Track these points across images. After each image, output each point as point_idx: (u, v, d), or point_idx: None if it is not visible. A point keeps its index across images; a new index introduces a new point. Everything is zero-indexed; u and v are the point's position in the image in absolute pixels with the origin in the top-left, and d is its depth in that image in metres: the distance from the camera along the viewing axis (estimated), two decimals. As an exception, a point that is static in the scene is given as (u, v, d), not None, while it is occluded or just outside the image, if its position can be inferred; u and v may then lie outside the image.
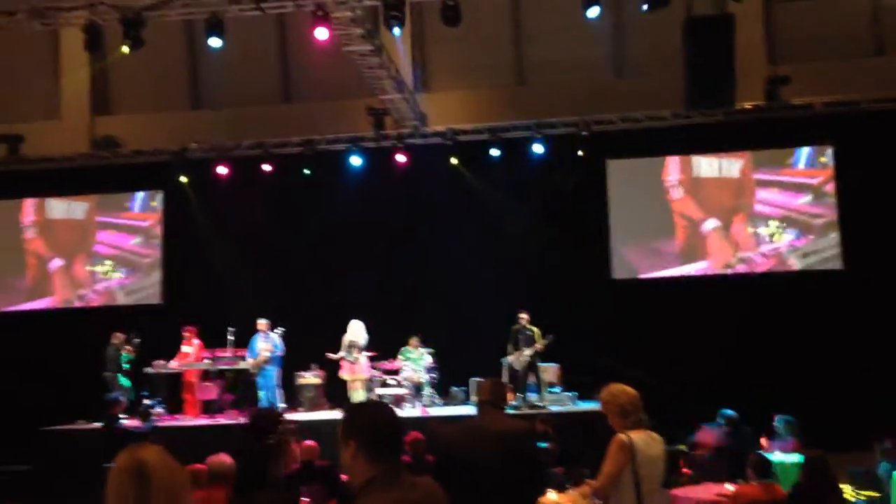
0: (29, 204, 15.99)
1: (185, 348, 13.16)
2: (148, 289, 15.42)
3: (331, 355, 12.61)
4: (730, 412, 9.25)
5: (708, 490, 7.00)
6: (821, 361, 12.56)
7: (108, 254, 15.70)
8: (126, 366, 13.00)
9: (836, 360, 12.55)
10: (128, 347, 13.08)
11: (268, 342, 12.68)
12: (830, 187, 13.57)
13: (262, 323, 12.78)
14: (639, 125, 13.94)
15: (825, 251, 13.52)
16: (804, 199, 13.68)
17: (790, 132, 13.54)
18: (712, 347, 12.84)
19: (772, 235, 13.72)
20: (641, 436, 4.34)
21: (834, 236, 13.47)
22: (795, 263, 13.62)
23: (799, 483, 6.09)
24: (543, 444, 8.71)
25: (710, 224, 13.98)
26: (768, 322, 13.07)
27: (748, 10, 11.95)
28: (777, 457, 8.35)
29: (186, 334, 13.18)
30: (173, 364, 13.01)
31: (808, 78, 13.14)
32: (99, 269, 15.66)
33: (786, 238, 13.67)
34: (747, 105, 13.24)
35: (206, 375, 13.03)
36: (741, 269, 13.80)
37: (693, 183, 14.11)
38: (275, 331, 12.80)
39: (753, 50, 13.22)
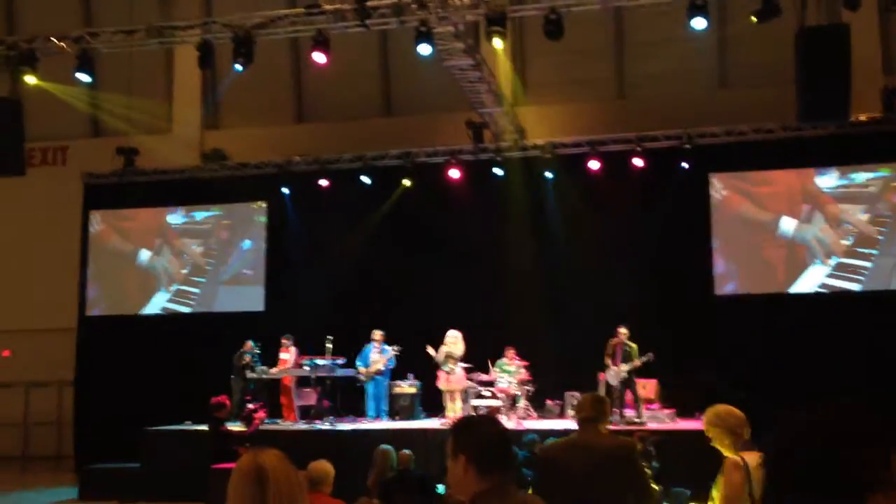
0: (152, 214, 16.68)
1: (282, 355, 13.48)
2: (251, 296, 15.88)
3: (431, 350, 12.56)
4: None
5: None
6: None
7: (215, 263, 16.26)
8: (252, 372, 13.39)
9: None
10: (247, 357, 13.46)
11: (383, 354, 12.92)
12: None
13: (377, 334, 13.03)
14: (744, 138, 13.57)
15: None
16: None
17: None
18: (817, 366, 12.37)
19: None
20: (753, 456, 4.18)
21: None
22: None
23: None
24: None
25: (813, 241, 13.47)
26: (878, 339, 12.48)
27: (863, 19, 11.51)
28: None
29: (284, 342, 13.51)
30: (273, 370, 13.36)
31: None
32: (209, 276, 16.25)
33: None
34: (862, 117, 12.72)
35: (303, 382, 13.31)
36: (846, 285, 13.24)
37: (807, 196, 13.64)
38: (391, 346, 13.01)
39: (869, 60, 12.72)
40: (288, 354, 13.48)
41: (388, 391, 13.20)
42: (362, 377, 12.98)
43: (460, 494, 2.64)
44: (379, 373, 12.95)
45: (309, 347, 13.32)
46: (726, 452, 4.25)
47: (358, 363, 13.01)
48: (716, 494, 4.22)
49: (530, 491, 4.18)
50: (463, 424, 2.78)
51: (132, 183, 16.19)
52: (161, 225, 16.58)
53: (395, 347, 12.97)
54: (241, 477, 2.58)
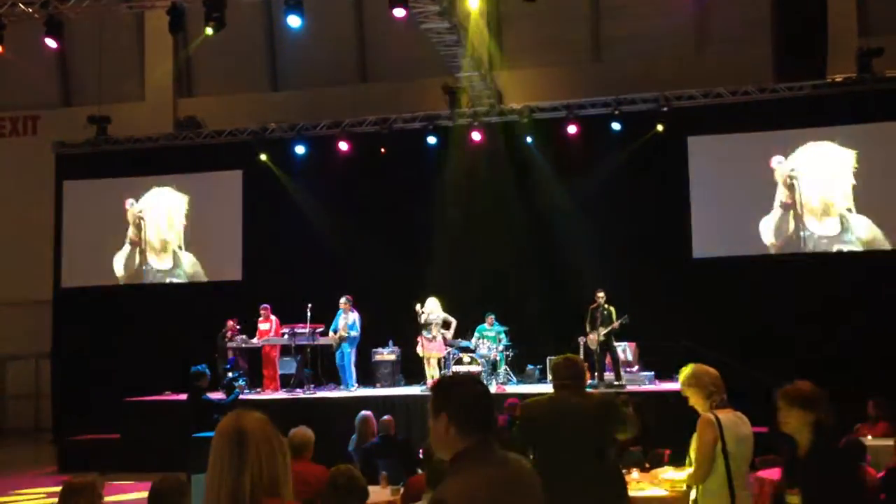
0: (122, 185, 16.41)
1: (261, 325, 13.37)
2: (228, 266, 15.75)
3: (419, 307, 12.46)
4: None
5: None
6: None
7: (191, 232, 16.09)
8: (231, 342, 13.24)
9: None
10: (228, 334, 13.33)
11: (347, 319, 12.84)
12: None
13: (343, 300, 12.94)
14: (721, 100, 13.57)
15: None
16: None
17: (881, 106, 12.97)
18: (798, 328, 12.53)
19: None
20: (728, 415, 4.23)
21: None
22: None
23: (893, 465, 5.88)
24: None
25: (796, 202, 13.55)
26: (858, 301, 12.64)
27: (839, -21, 11.51)
28: (868, 441, 8.09)
29: (263, 312, 13.42)
30: (254, 340, 13.28)
31: (902, 49, 12.57)
32: (182, 246, 16.09)
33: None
34: (837, 78, 12.73)
35: (284, 351, 13.26)
36: (828, 246, 13.36)
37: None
38: (353, 310, 12.88)
39: (845, 21, 12.69)
40: (267, 324, 13.39)
41: (355, 359, 13.00)
42: (334, 345, 12.89)
43: (442, 453, 2.62)
44: (344, 339, 12.84)
45: (288, 316, 13.27)
46: (701, 411, 4.30)
47: (330, 332, 12.92)
48: (691, 452, 4.27)
49: None
50: (445, 384, 2.76)
51: (105, 152, 15.95)
52: (135, 194, 16.32)
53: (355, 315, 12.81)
54: (220, 438, 2.57)
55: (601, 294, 12.07)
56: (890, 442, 7.04)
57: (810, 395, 3.86)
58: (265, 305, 13.43)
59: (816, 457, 3.76)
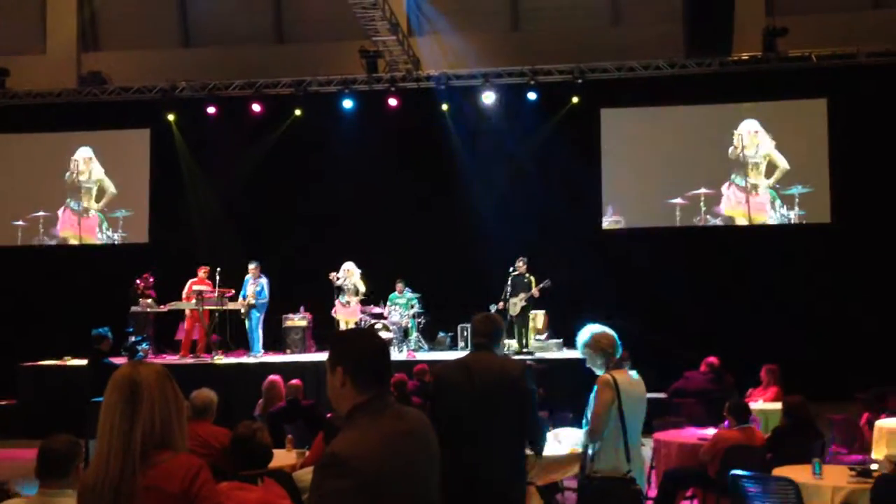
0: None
1: (196, 287, 12.78)
2: (134, 228, 15.28)
3: (333, 276, 12.40)
4: (712, 360, 9.36)
5: (690, 434, 7.08)
6: (807, 313, 12.72)
7: (95, 192, 15.53)
8: (136, 306, 12.81)
9: (822, 313, 12.69)
10: (147, 290, 12.92)
11: (255, 286, 12.59)
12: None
13: (251, 266, 12.68)
14: (634, 74, 13.81)
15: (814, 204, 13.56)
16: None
17: (786, 84, 13.44)
18: (699, 297, 12.98)
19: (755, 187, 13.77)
20: (623, 376, 4.38)
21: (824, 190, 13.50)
22: (785, 215, 13.67)
23: (778, 427, 6.16)
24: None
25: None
26: (755, 273, 13.19)
27: (748, -42, 11.79)
28: (759, 405, 8.47)
29: (202, 273, 12.92)
30: (168, 306, 12.87)
31: (805, 30, 13.02)
32: (87, 207, 15.53)
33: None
34: (744, 56, 13.13)
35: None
36: (730, 220, 13.84)
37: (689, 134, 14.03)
38: (262, 276, 12.63)
39: (752, 1, 13.07)
40: (203, 286, 12.75)
41: (262, 325, 12.73)
42: (242, 311, 12.66)
43: (339, 407, 2.60)
44: (252, 306, 12.60)
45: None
46: (598, 372, 4.43)
47: (240, 297, 12.66)
48: (588, 411, 4.39)
49: None
50: (341, 337, 2.74)
51: (4, 106, 15.19)
52: (35, 151, 15.62)
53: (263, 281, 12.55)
54: (113, 389, 2.50)
55: (521, 262, 12.12)
56: (779, 406, 7.38)
57: None
58: (204, 266, 12.89)
59: None
